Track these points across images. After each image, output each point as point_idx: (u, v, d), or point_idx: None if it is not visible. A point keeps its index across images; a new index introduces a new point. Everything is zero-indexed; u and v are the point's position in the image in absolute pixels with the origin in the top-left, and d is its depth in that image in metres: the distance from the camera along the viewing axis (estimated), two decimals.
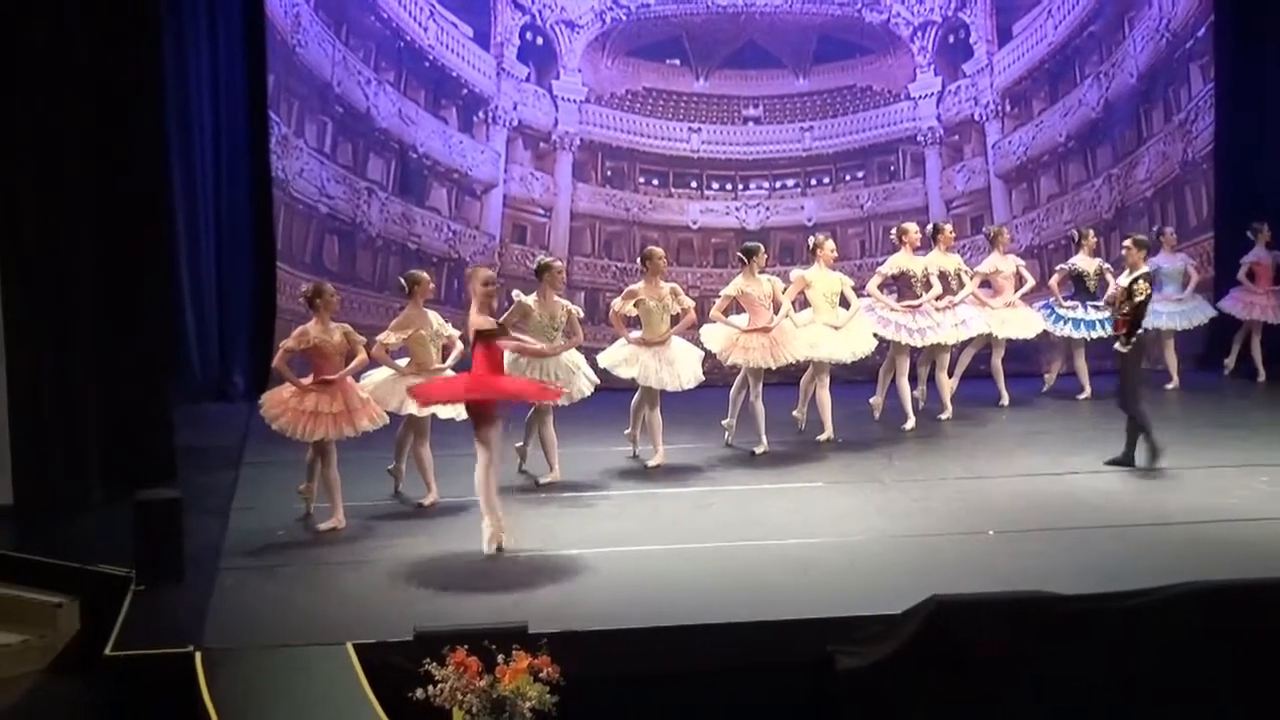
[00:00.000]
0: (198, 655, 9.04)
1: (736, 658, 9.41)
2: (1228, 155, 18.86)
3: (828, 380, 14.71)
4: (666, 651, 9.38)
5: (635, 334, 13.79)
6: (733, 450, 14.32)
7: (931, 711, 9.42)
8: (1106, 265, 16.68)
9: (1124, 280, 13.68)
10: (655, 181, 18.33)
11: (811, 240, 15.14)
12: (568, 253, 17.79)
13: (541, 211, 18.14)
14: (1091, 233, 16.95)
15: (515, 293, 12.85)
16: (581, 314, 13.57)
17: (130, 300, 12.96)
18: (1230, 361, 17.86)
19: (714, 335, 14.28)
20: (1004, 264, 16.21)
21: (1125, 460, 13.50)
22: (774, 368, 14.18)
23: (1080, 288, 16.53)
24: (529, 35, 18.03)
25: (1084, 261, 16.58)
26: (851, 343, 14.68)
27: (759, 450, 14.10)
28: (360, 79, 17.51)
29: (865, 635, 9.49)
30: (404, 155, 17.68)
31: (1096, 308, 16.24)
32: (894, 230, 15.69)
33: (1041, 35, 18.81)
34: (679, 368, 13.74)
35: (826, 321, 14.62)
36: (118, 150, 12.77)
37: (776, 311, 14.19)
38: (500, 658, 8.38)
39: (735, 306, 14.27)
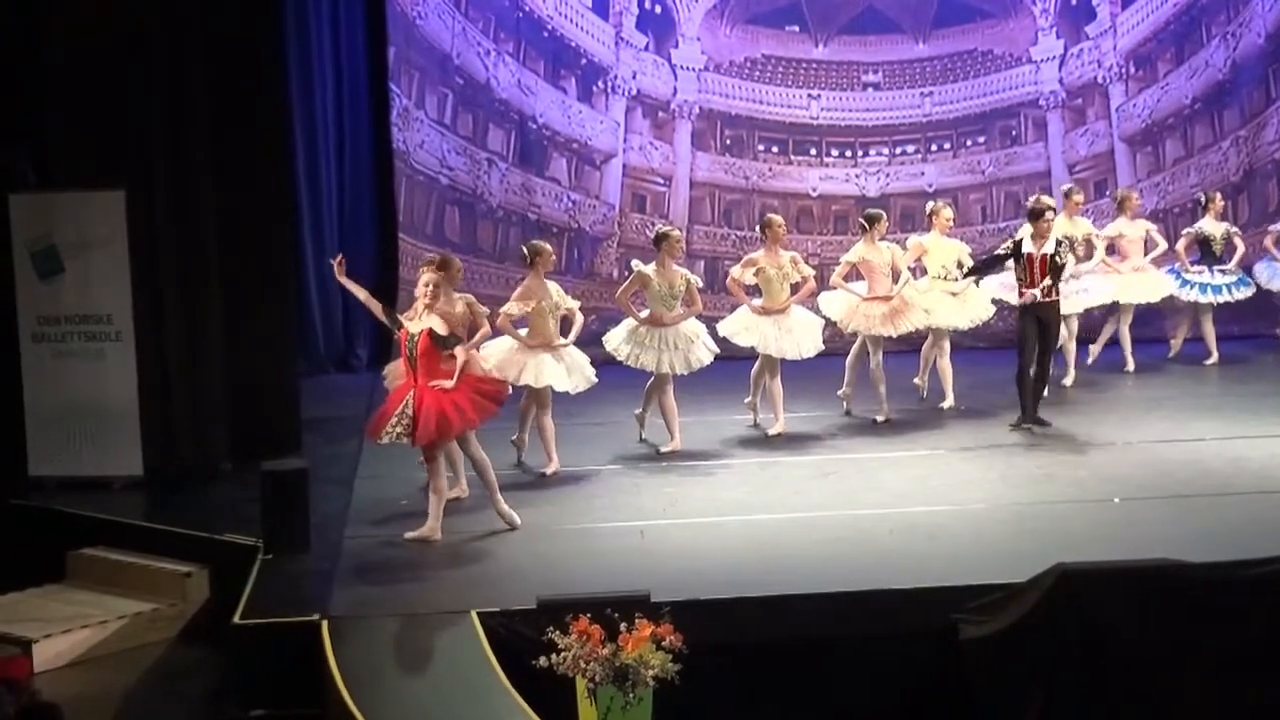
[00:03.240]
0: (324, 624, 9.15)
1: (858, 626, 9.39)
2: None
3: (947, 347, 14.61)
4: (788, 620, 9.38)
5: (756, 302, 13.76)
6: (853, 419, 14.26)
7: (1056, 680, 9.36)
8: (1234, 229, 16.45)
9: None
10: (774, 149, 18.24)
11: (929, 206, 15.04)
12: (687, 222, 17.76)
13: (661, 180, 18.12)
14: (1219, 196, 16.65)
15: (634, 262, 12.89)
16: (700, 283, 13.54)
17: (256, 273, 13.10)
18: None
19: (833, 302, 14.23)
20: (1131, 229, 15.95)
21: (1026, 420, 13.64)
22: (894, 335, 14.10)
23: (1206, 252, 16.29)
24: (647, 4, 17.99)
25: (1210, 225, 16.32)
26: (969, 309, 14.57)
27: (880, 418, 14.03)
28: (479, 50, 17.56)
29: (989, 604, 9.44)
30: (523, 126, 17.71)
31: (1224, 272, 16.05)
32: (928, 208, 15.13)
33: None
34: (799, 336, 13.67)
35: (944, 289, 14.52)
36: (243, 125, 12.90)
37: (896, 279, 14.10)
38: (623, 626, 8.42)
39: (855, 274, 14.20)
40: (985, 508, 11.48)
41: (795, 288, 13.82)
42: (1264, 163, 18.47)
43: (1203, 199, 16.71)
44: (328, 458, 13.00)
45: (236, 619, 9.43)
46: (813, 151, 18.26)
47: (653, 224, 16.69)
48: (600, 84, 17.93)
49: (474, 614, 9.19)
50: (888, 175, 18.19)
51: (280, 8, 13.90)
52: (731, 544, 10.68)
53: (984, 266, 14.28)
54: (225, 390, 13.02)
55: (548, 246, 12.87)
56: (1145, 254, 16.03)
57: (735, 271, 13.81)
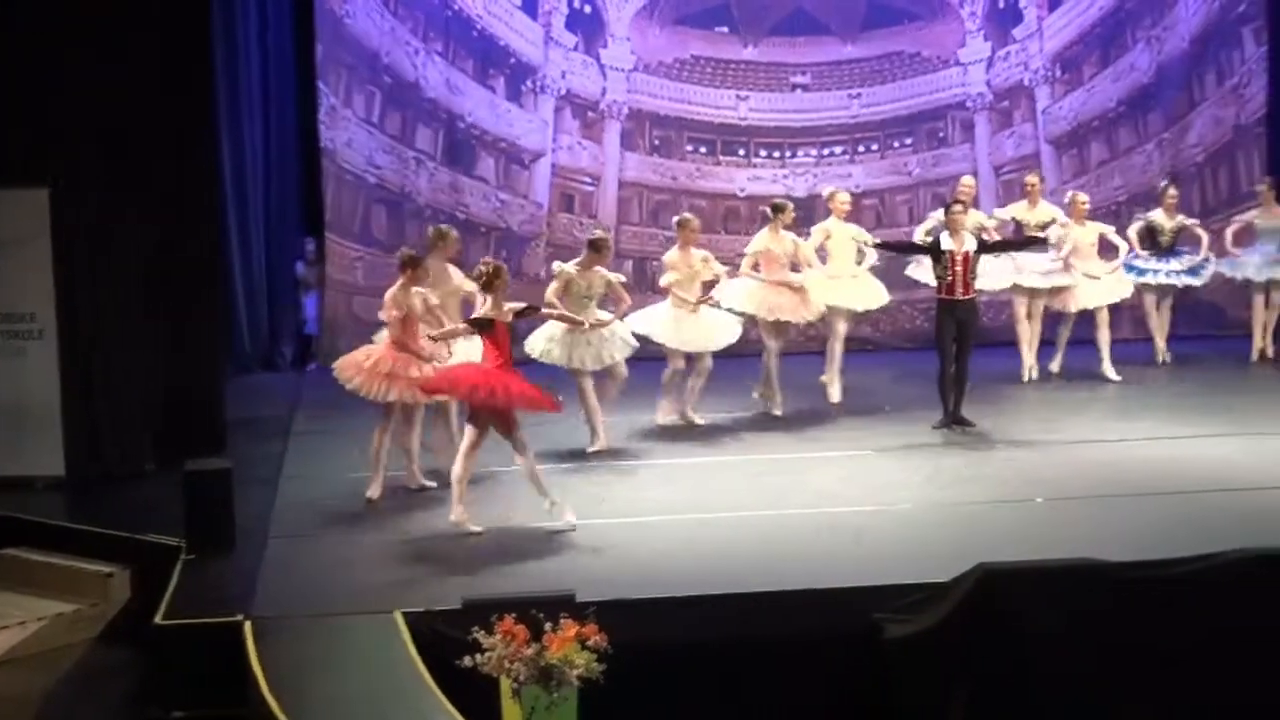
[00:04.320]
0: (247, 624, 9.09)
1: (783, 626, 9.40)
2: None
3: (841, 330, 14.94)
4: (713, 620, 9.38)
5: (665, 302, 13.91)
6: (778, 418, 14.30)
7: (979, 680, 9.40)
8: (1190, 220, 16.60)
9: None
10: (703, 150, 18.30)
11: (825, 191, 15.33)
12: (615, 222, 17.79)
13: (589, 180, 18.13)
14: (1172, 188, 16.71)
15: (556, 264, 12.91)
16: (623, 278, 13.53)
17: (181, 272, 13.02)
18: None
19: (735, 291, 14.28)
20: (1082, 233, 15.81)
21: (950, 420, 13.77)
22: (804, 321, 14.35)
23: (1154, 242, 16.39)
24: (577, 3, 18.02)
25: (1160, 217, 16.41)
26: (864, 294, 14.80)
27: (777, 411, 14.10)
28: (408, 49, 17.53)
29: (912, 604, 9.47)
30: (452, 125, 17.69)
31: (1177, 261, 16.33)
32: (825, 193, 15.49)
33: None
34: (708, 331, 13.81)
35: (844, 273, 14.87)
36: (168, 122, 12.82)
37: (797, 271, 14.32)
38: (548, 626, 8.38)
39: (759, 264, 14.39)
40: (909, 508, 11.51)
41: (709, 286, 14.02)
42: (1187, 165, 18.66)
43: (1162, 186, 16.82)
44: (252, 457, 12.92)
45: (158, 619, 9.35)
46: (741, 152, 18.32)
47: (581, 224, 16.76)
48: (529, 83, 17.92)
49: (398, 614, 9.16)
50: (815, 176, 18.24)
51: (207, 6, 13.79)
52: (657, 544, 10.67)
53: (898, 247, 14.40)
54: (149, 389, 12.93)
55: (453, 232, 12.83)
56: (1105, 256, 16.04)
57: (663, 281, 13.92)
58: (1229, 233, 16.80)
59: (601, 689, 8.38)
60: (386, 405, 11.85)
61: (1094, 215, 16.11)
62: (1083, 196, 16.01)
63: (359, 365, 11.82)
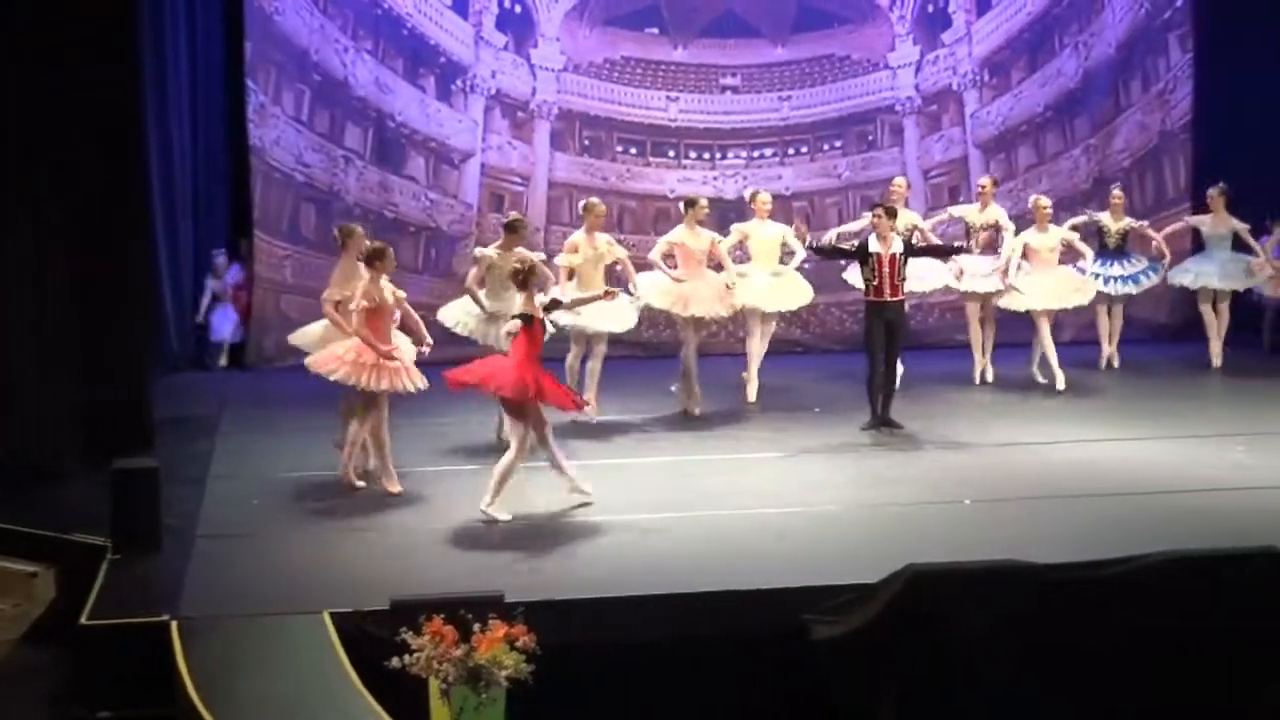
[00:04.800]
0: (173, 624, 9.03)
1: (711, 627, 9.41)
2: (1205, 126, 18.87)
3: (758, 331, 15.09)
4: (642, 620, 9.38)
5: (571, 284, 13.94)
6: (705, 419, 14.33)
7: (908, 680, 9.44)
8: (1138, 223, 16.67)
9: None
10: (633, 151, 18.31)
11: (747, 193, 15.50)
12: (545, 222, 17.78)
13: (519, 180, 18.11)
14: (1119, 190, 16.81)
15: (477, 249, 13.28)
16: (543, 257, 13.55)
17: (107, 269, 12.90)
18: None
19: (651, 287, 14.37)
20: (1040, 239, 15.69)
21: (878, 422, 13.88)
22: (718, 315, 14.45)
23: (1100, 243, 16.46)
24: (507, 3, 18.00)
25: (1107, 219, 16.50)
26: (786, 294, 14.95)
27: (696, 411, 14.18)
28: (338, 47, 17.46)
29: (841, 605, 9.50)
30: (381, 124, 17.64)
31: (1127, 263, 16.44)
32: (746, 194, 15.76)
33: (1020, 5, 18.80)
34: (611, 314, 13.91)
35: (768, 271, 15.03)
36: (94, 119, 12.70)
37: (714, 268, 14.44)
38: (476, 627, 8.38)
39: (672, 257, 14.56)
40: (838, 509, 11.56)
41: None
42: (1113, 171, 18.79)
43: (1112, 191, 16.88)
44: (180, 457, 12.83)
45: (84, 620, 9.28)
46: (671, 153, 18.34)
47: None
48: (459, 83, 17.89)
49: (326, 614, 9.11)
50: (745, 178, 18.28)
51: (135, 4, 13.69)
52: (586, 544, 10.68)
53: (830, 250, 14.42)
54: (76, 388, 12.81)
55: (359, 229, 12.79)
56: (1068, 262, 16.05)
57: (560, 259, 14.01)
58: (1166, 232, 16.89)
59: (530, 690, 8.38)
60: (365, 397, 11.78)
61: (1023, 219, 16.17)
62: (1045, 201, 15.94)
63: (339, 358, 11.73)
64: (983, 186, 16.23)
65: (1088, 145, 18.91)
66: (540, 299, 11.49)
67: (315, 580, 9.97)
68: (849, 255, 14.14)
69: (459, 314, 13.39)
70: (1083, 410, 14.75)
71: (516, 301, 12.86)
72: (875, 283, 13.64)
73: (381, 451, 11.97)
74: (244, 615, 9.33)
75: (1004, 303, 15.68)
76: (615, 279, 14.29)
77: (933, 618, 9.43)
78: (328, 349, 11.97)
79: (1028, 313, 15.69)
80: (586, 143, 18.27)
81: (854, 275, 15.07)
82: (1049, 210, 15.82)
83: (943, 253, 14.96)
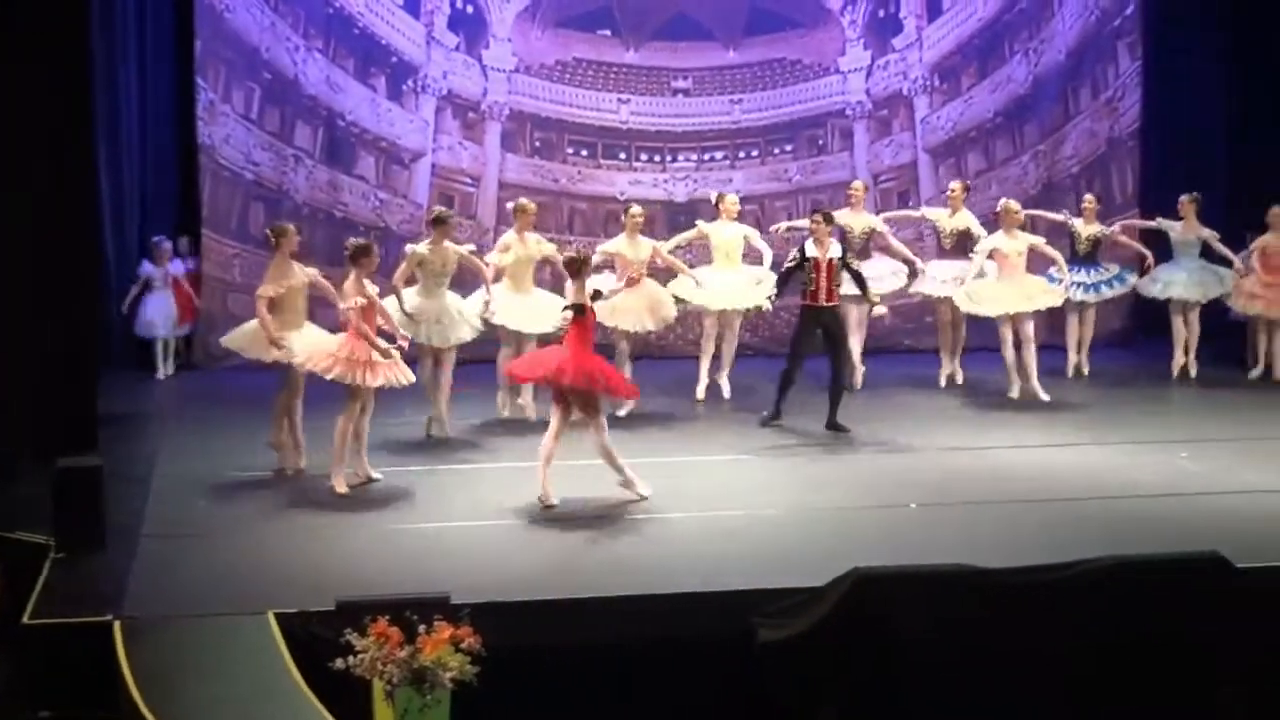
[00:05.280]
0: (117, 624, 8.99)
1: (658, 629, 9.42)
2: (1153, 133, 18.97)
3: (711, 331, 15.23)
4: (588, 623, 9.38)
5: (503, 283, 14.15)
6: (652, 420, 14.35)
7: (853, 683, 9.47)
8: (1108, 231, 16.56)
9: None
10: (584, 152, 18.30)
11: (713, 194, 15.59)
12: (495, 222, 17.73)
13: (469, 181, 18.09)
14: (1091, 199, 16.68)
15: (407, 246, 13.45)
16: (474, 247, 13.55)
17: (54, 266, 12.82)
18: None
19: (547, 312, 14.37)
20: (1008, 243, 15.38)
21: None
22: (646, 330, 14.51)
23: (1071, 249, 16.38)
24: (459, 4, 17.96)
25: (1081, 225, 16.40)
26: (728, 294, 14.98)
27: (622, 412, 14.20)
28: (288, 45, 17.40)
29: (787, 608, 9.52)
30: (332, 123, 17.59)
31: (1097, 270, 16.39)
32: (713, 197, 15.81)
33: (971, 11, 18.86)
34: (538, 313, 14.07)
35: (726, 270, 15.19)
36: (42, 117, 12.63)
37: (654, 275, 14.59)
38: (422, 628, 8.37)
39: (610, 265, 14.60)
40: (784, 512, 11.58)
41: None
42: (1062, 177, 18.89)
43: (1085, 199, 16.77)
44: (125, 456, 12.77)
45: (26, 619, 9.23)
46: (622, 156, 18.34)
47: (461, 224, 16.66)
48: (410, 83, 17.85)
49: (271, 615, 9.09)
50: (696, 181, 18.31)
51: (85, 2, 13.61)
52: (533, 546, 10.67)
53: (783, 281, 14.31)
54: (21, 386, 12.73)
55: (291, 227, 12.78)
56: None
57: (491, 257, 14.14)
58: (1124, 223, 16.95)
59: (475, 691, 8.38)
60: (352, 393, 11.85)
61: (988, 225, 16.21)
62: (1014, 205, 15.70)
63: (333, 355, 11.77)
64: (953, 191, 16.30)
65: (1037, 151, 18.99)
66: (588, 289, 11.69)
67: (260, 581, 9.94)
68: (795, 271, 13.97)
69: (392, 311, 13.37)
70: (1032, 416, 14.79)
71: (448, 297, 13.04)
72: (812, 288, 13.72)
73: (359, 448, 12.09)
74: (188, 615, 9.30)
75: (967, 308, 15.57)
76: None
77: (878, 621, 9.45)
78: (320, 346, 12.01)
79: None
80: (537, 144, 18.25)
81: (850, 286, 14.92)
82: (1019, 215, 15.56)
83: (862, 285, 14.43)
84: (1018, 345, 15.28)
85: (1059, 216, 16.62)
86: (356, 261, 11.87)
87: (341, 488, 11.87)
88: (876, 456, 13.26)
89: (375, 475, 12.18)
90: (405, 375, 11.94)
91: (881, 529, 11.10)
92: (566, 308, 11.67)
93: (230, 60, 17.13)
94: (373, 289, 11.98)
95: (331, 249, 16.67)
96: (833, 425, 13.84)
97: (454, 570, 10.00)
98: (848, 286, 14.23)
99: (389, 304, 13.26)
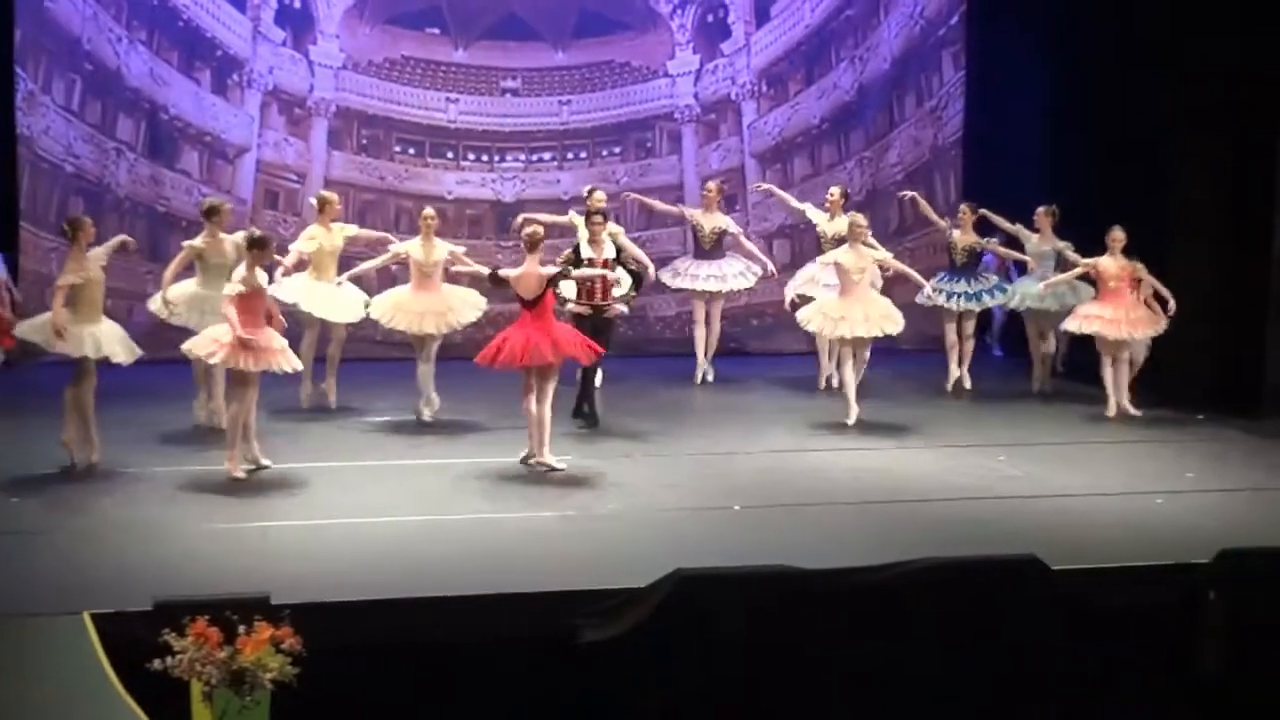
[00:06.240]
0: None
1: (480, 630, 9.38)
2: (975, 142, 19.26)
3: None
4: (409, 623, 9.32)
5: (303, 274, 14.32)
6: (478, 421, 14.32)
7: (674, 683, 9.50)
8: (985, 241, 16.30)
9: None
10: (411, 151, 18.24)
11: (586, 189, 15.56)
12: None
13: (295, 177, 17.94)
14: (969, 210, 16.24)
15: (184, 242, 13.55)
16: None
17: None
18: None
19: (382, 303, 14.48)
20: (849, 258, 14.55)
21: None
22: (435, 333, 14.32)
23: (949, 259, 16.32)
24: None
25: (959, 235, 16.16)
26: (341, 308, 14.79)
27: (427, 416, 14.20)
28: (111, 36, 17.16)
29: (609, 608, 9.53)
30: (155, 116, 17.37)
31: (975, 280, 16.17)
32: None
33: (799, 18, 19.05)
34: (341, 303, 14.31)
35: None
36: None
37: (450, 280, 14.59)
38: (242, 629, 8.28)
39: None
40: (607, 513, 11.60)
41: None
42: (886, 184, 19.12)
43: (962, 210, 16.37)
44: None
45: None
46: (449, 154, 18.30)
47: (285, 220, 16.57)
48: (236, 77, 17.68)
49: (87, 615, 8.92)
50: (524, 181, 18.33)
51: None
52: (354, 547, 10.58)
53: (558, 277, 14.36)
54: None
55: (88, 220, 12.69)
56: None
57: (296, 246, 14.34)
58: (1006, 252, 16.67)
59: (296, 692, 8.30)
60: (240, 379, 12.04)
61: (795, 229, 16.35)
62: (860, 218, 14.98)
63: (216, 341, 11.95)
64: (832, 196, 16.32)
65: (862, 158, 19.23)
66: (548, 270, 12.60)
67: (76, 580, 9.76)
68: (569, 266, 13.83)
69: (164, 303, 13.54)
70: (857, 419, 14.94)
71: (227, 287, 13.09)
72: (586, 286, 13.79)
73: (248, 435, 12.22)
74: (0, 616, 9.12)
75: (810, 327, 15.00)
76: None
77: (699, 621, 9.48)
78: (206, 332, 12.21)
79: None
80: (364, 141, 18.16)
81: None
82: (863, 229, 14.68)
83: (638, 282, 14.74)
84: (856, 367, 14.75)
85: (1009, 226, 16.36)
86: (250, 250, 12.09)
87: (238, 473, 12.02)
88: (701, 459, 13.33)
89: (265, 462, 12.33)
90: (290, 362, 12.14)
91: (705, 530, 11.15)
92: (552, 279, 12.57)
93: (51, 50, 16.86)
94: (261, 280, 12.09)
95: (153, 243, 16.50)
96: (579, 414, 14.21)
97: (275, 570, 9.89)
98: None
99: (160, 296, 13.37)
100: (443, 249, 14.36)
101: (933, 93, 19.38)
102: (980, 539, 10.79)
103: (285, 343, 12.27)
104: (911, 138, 19.34)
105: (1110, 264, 15.12)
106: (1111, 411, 15.09)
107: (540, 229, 12.94)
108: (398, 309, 14.23)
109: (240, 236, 13.13)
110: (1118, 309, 15.00)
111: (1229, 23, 15.29)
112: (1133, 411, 14.97)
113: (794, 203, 16.74)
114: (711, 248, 16.37)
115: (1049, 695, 9.95)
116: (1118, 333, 14.95)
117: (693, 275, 16.47)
